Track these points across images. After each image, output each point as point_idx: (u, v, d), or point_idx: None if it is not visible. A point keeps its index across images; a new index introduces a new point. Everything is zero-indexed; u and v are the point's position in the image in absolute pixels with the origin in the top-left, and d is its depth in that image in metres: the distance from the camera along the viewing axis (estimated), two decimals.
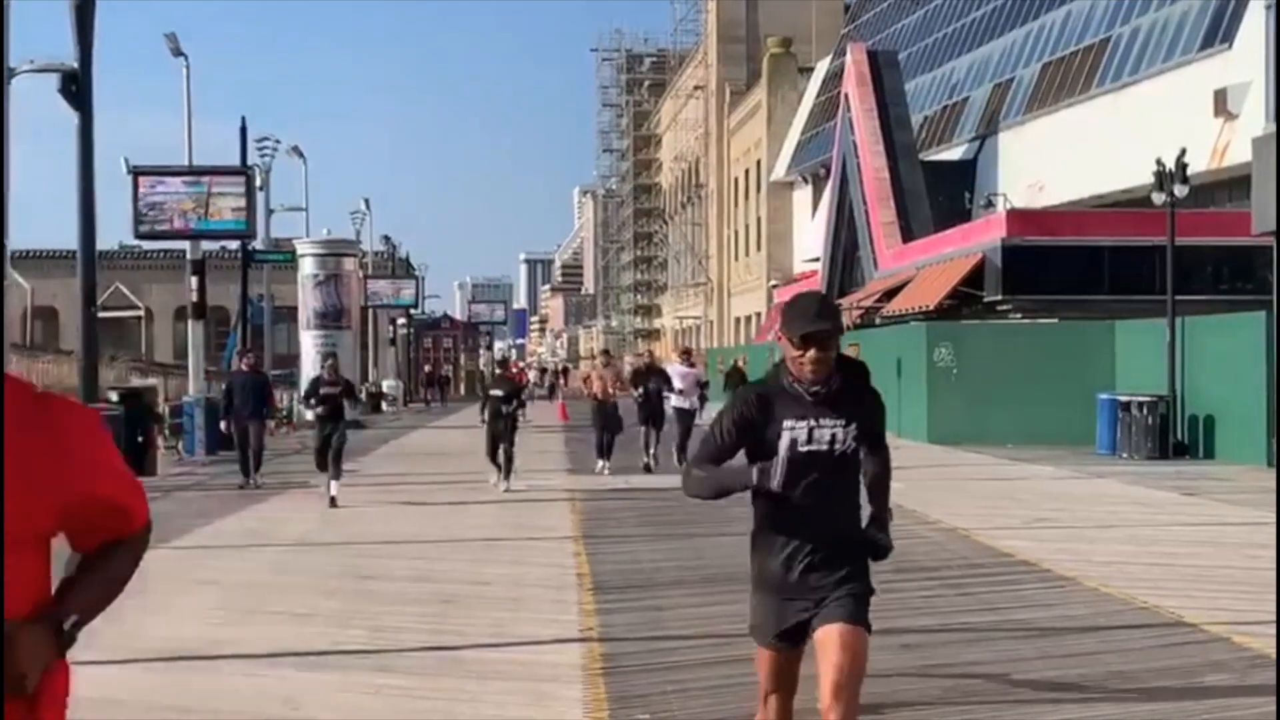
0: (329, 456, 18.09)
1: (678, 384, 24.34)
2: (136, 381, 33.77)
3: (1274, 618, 9.02)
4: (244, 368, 21.59)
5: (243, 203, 31.29)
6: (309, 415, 22.86)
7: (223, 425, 22.45)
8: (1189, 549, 13.80)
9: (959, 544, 14.09)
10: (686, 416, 24.16)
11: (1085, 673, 8.28)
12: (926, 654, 8.79)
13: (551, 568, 12.57)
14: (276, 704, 7.66)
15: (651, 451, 23.45)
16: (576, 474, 22.98)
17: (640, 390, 23.72)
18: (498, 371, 24.03)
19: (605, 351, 27.98)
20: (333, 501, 17.78)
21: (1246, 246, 33.10)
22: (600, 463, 22.79)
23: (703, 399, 25.65)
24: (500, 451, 20.03)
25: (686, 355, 26.66)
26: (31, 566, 2.64)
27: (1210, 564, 12.71)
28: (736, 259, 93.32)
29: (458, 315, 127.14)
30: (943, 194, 53.63)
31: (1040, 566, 12.38)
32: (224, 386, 23.94)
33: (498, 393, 20.51)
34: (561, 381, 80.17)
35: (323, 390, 18.86)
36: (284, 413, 41.22)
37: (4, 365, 21.58)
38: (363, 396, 42.27)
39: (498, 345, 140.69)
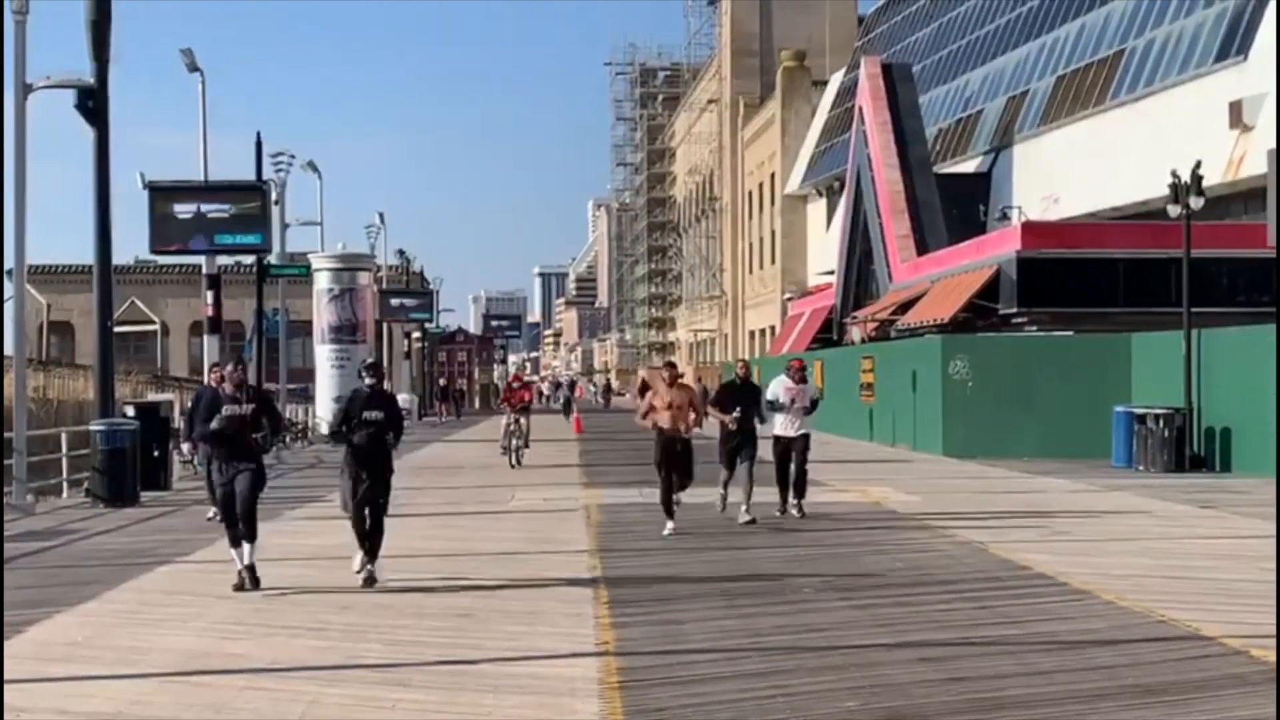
0: (239, 515, 12.33)
1: (784, 401, 17.81)
2: (152, 396, 33.92)
3: None
4: (212, 383, 16.70)
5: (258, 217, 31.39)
6: (193, 453, 17.29)
7: (185, 448, 18.24)
8: (1206, 562, 13.74)
9: (976, 557, 14.05)
10: (796, 445, 17.78)
11: (1103, 685, 8.25)
12: (945, 666, 8.76)
13: (567, 581, 12.55)
14: (293, 718, 7.66)
15: (747, 504, 16.88)
16: (591, 487, 22.95)
17: (735, 415, 16.98)
18: (368, 383, 12.83)
19: (670, 364, 18.23)
20: (250, 577, 12.21)
21: (1263, 259, 32.96)
22: (669, 524, 16.08)
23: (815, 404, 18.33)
24: (368, 517, 12.48)
25: (798, 371, 18.16)
26: None
27: (1227, 577, 12.66)
28: (751, 272, 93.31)
29: (472, 329, 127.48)
30: (957, 207, 53.57)
31: (1057, 580, 12.34)
32: (190, 403, 17.13)
33: (373, 415, 12.51)
34: (577, 395, 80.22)
35: (225, 410, 12.32)
36: (299, 427, 41.33)
37: (23, 381, 21.66)
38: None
39: (511, 359, 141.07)
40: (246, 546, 12.30)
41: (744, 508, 16.78)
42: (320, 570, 13.47)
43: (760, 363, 60.41)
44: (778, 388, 17.93)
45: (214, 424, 12.29)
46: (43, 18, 23.56)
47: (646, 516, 18.08)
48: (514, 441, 28.37)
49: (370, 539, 12.44)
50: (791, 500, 17.89)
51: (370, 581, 12.20)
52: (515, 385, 30.40)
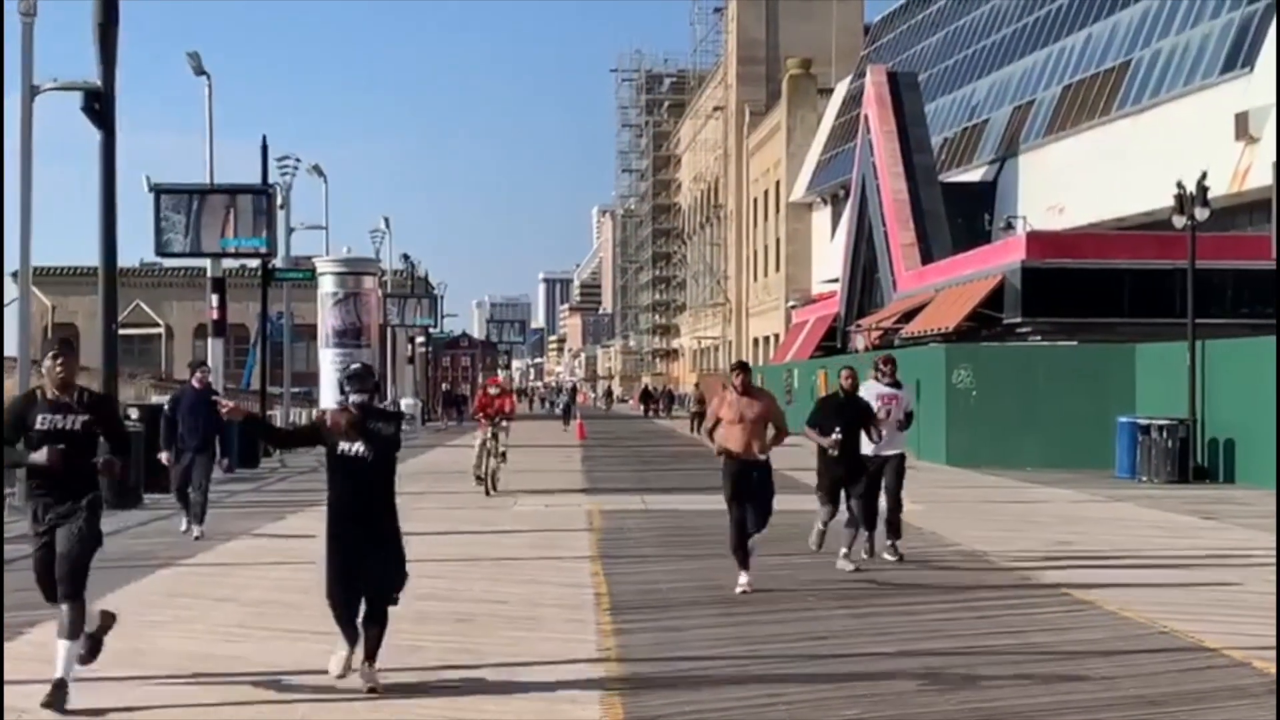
0: (57, 582, 8.21)
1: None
2: (156, 399, 33.88)
3: None
4: (194, 384, 17.07)
5: (263, 220, 31.44)
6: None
7: (163, 457, 16.88)
8: (1209, 573, 13.71)
9: (977, 566, 14.02)
10: (887, 468, 14.36)
11: (1104, 696, 8.24)
12: (945, 676, 8.75)
13: (568, 587, 12.54)
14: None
15: (849, 549, 13.70)
16: (594, 493, 22.93)
17: (836, 436, 13.39)
18: (357, 401, 8.53)
19: (743, 366, 12.71)
20: (55, 696, 7.81)
21: (1268, 270, 33.00)
22: (743, 577, 12.19)
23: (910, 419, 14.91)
24: (364, 604, 8.58)
25: (890, 369, 14.66)
26: None
27: (1230, 588, 12.63)
28: (755, 279, 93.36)
29: (476, 334, 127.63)
30: (962, 216, 53.67)
31: (1060, 590, 12.33)
32: (165, 408, 17.67)
33: (355, 447, 8.46)
34: (580, 401, 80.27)
35: (41, 424, 8.09)
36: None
37: (28, 382, 21.65)
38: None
39: (515, 364, 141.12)
40: (62, 646, 7.91)
41: (844, 552, 13.61)
42: (320, 574, 13.47)
43: (763, 370, 60.50)
44: (868, 396, 14.21)
45: (23, 454, 8.11)
46: (49, 19, 23.61)
47: (649, 523, 18.09)
48: (490, 462, 22.79)
49: (366, 632, 8.44)
50: (884, 541, 14.39)
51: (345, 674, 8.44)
52: (493, 392, 24.40)
